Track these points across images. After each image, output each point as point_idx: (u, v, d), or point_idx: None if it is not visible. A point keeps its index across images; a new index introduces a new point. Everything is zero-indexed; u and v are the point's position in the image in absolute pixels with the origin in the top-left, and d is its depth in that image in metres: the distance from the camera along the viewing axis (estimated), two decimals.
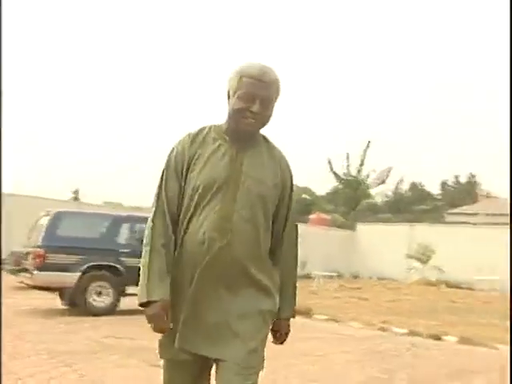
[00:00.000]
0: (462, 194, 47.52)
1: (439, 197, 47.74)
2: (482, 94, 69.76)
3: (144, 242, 2.36)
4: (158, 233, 2.34)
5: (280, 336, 2.55)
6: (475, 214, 32.36)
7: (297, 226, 2.54)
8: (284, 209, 2.46)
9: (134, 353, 6.48)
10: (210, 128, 2.44)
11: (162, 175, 2.41)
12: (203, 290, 2.30)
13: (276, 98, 2.38)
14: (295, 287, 2.54)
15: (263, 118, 2.34)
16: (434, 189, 50.77)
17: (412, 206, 37.96)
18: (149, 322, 2.28)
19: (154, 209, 2.38)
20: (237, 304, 2.31)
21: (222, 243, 2.28)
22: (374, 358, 7.05)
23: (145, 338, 6.25)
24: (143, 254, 2.34)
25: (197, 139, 2.40)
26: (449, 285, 20.33)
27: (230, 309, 2.31)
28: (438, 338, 8.67)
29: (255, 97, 2.29)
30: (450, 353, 7.72)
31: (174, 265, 2.34)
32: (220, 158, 2.37)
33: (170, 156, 2.42)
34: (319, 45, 68.88)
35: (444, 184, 53.05)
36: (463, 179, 53.25)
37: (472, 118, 68.31)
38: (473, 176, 52.43)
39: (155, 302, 2.26)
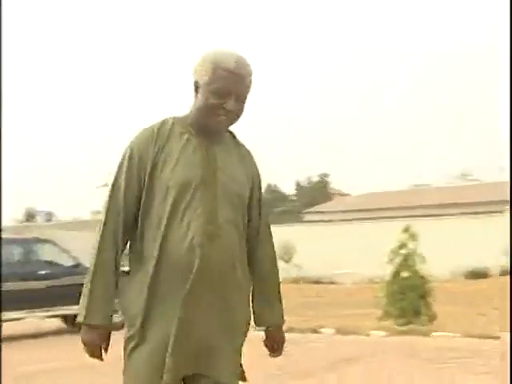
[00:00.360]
0: (316, 193, 49.81)
1: (295, 197, 49.63)
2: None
3: (92, 252, 2.09)
4: (108, 245, 2.07)
5: (277, 347, 2.32)
6: (331, 212, 34.02)
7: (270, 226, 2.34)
8: (256, 209, 2.25)
9: None
10: (173, 120, 2.17)
11: (119, 175, 2.11)
12: (197, 304, 2.04)
13: (248, 93, 2.15)
14: (280, 291, 2.33)
15: (236, 116, 2.13)
16: (289, 189, 52.76)
17: (270, 208, 39.14)
18: (83, 344, 2.08)
19: (105, 215, 2.09)
20: (229, 316, 2.10)
21: (211, 249, 2.04)
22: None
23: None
24: (90, 266, 2.09)
25: (161, 133, 2.11)
26: (309, 281, 21.10)
27: (221, 322, 2.09)
28: (315, 331, 9.13)
29: (231, 92, 2.06)
30: (329, 344, 8.18)
31: (152, 281, 2.04)
32: (191, 154, 2.11)
33: (129, 153, 2.11)
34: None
35: (298, 184, 55.28)
36: (315, 179, 55.79)
37: (318, 119, 71.64)
38: (325, 176, 55.10)
39: (94, 326, 2.05)
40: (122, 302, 2.14)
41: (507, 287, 11.18)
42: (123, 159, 2.12)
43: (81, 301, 2.08)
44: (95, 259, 2.07)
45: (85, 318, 2.05)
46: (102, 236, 2.08)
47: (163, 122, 2.16)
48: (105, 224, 2.09)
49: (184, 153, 2.11)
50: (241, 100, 2.11)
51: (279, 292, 2.32)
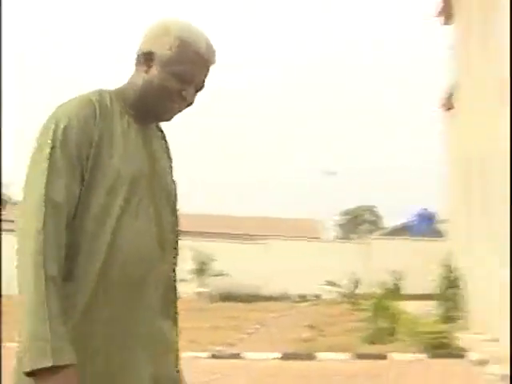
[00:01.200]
0: None
1: None
2: None
3: (26, 261, 1.51)
4: (54, 253, 1.52)
5: None
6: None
7: None
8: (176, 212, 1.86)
9: None
10: (110, 95, 1.72)
11: (52, 160, 1.57)
12: (149, 320, 1.67)
13: None
14: None
15: (187, 106, 1.78)
16: None
17: None
18: None
19: (40, 211, 1.53)
20: (171, 333, 1.78)
21: (162, 259, 1.70)
22: None
23: None
24: (27, 281, 1.49)
25: (102, 109, 1.67)
26: None
27: (167, 339, 1.75)
28: None
29: (193, 79, 1.72)
30: None
31: (93, 295, 1.59)
32: (134, 139, 1.71)
33: (64, 126, 1.60)
34: None
35: None
36: None
37: None
38: None
39: (66, 366, 1.47)
40: None
41: None
42: (57, 133, 1.59)
43: (29, 333, 1.46)
44: (42, 267, 1.49)
45: (53, 358, 1.44)
46: (45, 239, 1.51)
47: (101, 95, 1.69)
48: (45, 222, 1.52)
49: (127, 139, 1.69)
50: (197, 90, 1.76)
51: None
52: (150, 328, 1.66)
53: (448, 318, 14.06)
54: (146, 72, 1.71)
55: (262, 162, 69.40)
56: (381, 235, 33.57)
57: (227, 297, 19.78)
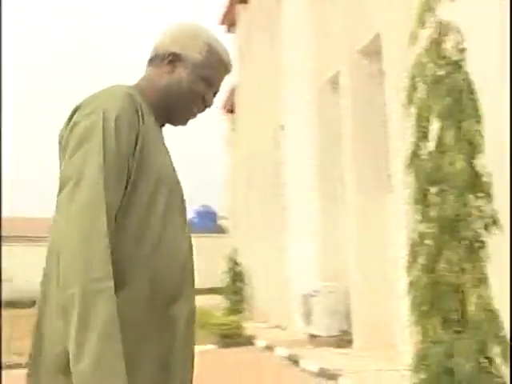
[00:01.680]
0: None
1: None
2: None
3: (84, 270, 1.28)
4: (108, 265, 1.31)
5: None
6: None
7: None
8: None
9: None
10: (134, 92, 1.57)
11: (106, 156, 1.40)
12: (183, 337, 1.53)
13: None
14: None
15: (201, 112, 1.74)
16: None
17: None
18: None
19: (90, 210, 1.33)
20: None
21: (192, 266, 1.59)
22: None
23: None
24: (81, 298, 1.26)
25: (138, 104, 1.53)
26: None
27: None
28: None
29: (215, 84, 1.72)
30: None
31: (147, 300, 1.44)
32: (162, 141, 1.63)
33: (114, 117, 1.44)
34: None
35: None
36: None
37: None
38: None
39: None
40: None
41: None
42: (108, 125, 1.42)
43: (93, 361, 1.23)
44: (103, 279, 1.29)
45: None
46: (98, 246, 1.31)
47: (130, 92, 1.54)
48: (94, 224, 1.32)
49: (158, 139, 1.60)
50: (214, 94, 1.74)
51: None
52: (184, 345, 1.54)
53: (235, 310, 14.93)
54: (170, 73, 1.65)
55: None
56: None
57: (9, 303, 18.63)
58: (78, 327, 1.24)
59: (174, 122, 1.70)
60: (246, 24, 17.67)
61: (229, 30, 20.19)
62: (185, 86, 1.64)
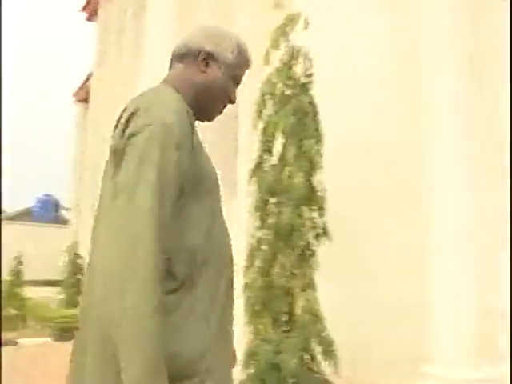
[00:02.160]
0: None
1: None
2: None
3: (135, 273, 1.32)
4: (159, 271, 1.36)
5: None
6: None
7: None
8: None
9: None
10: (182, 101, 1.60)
11: (163, 164, 1.42)
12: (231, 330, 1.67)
13: None
14: None
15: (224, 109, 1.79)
16: None
17: None
18: None
19: (152, 211, 1.37)
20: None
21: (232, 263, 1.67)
22: None
23: None
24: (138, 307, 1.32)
25: (191, 121, 1.58)
26: None
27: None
28: None
29: (240, 83, 1.77)
30: None
31: (220, 300, 1.57)
32: (202, 146, 1.66)
33: (172, 128, 1.46)
34: None
35: None
36: None
37: None
38: None
39: None
40: (174, 343, 1.41)
41: None
42: (166, 131, 1.44)
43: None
44: (152, 294, 1.33)
45: None
46: (152, 252, 1.34)
47: (181, 100, 1.57)
48: (149, 230, 1.35)
49: (201, 144, 1.63)
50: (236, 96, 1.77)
51: None
52: (231, 337, 1.65)
53: (71, 304, 14.56)
54: (203, 71, 1.67)
55: None
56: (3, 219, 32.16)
57: None
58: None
59: (204, 119, 1.73)
60: (107, 13, 17.39)
61: (89, 19, 19.72)
62: (219, 84, 1.68)
